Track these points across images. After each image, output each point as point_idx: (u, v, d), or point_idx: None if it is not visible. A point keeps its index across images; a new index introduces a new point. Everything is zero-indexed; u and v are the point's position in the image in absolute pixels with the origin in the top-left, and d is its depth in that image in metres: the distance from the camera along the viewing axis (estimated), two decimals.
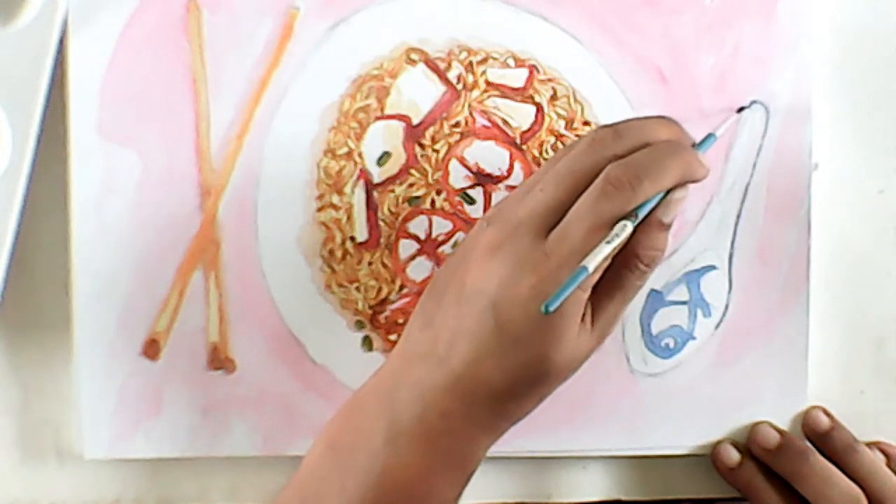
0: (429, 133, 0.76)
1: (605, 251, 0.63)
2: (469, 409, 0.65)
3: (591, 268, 0.63)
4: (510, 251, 0.64)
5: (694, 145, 0.69)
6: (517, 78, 0.76)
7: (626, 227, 0.64)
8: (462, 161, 0.76)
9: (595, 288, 0.65)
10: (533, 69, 0.76)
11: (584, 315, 0.65)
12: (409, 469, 0.65)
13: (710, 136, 0.70)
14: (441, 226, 0.76)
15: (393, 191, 0.76)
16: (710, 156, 0.77)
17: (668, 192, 0.66)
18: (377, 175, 0.76)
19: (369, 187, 0.76)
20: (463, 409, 0.65)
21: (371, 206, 0.76)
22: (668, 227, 0.66)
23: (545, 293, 0.63)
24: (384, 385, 0.66)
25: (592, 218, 0.64)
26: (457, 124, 0.76)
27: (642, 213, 0.65)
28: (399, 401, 0.65)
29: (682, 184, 0.66)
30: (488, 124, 0.76)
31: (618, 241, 0.64)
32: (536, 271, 0.64)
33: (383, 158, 0.76)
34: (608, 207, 0.64)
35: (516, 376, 0.64)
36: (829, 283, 0.78)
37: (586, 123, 0.76)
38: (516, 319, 0.64)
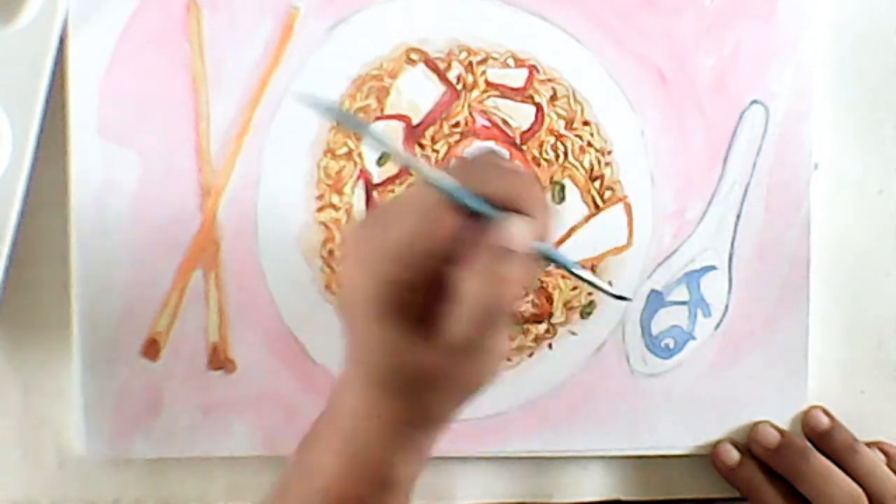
0: (429, 133, 0.76)
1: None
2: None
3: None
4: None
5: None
6: (517, 78, 0.76)
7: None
8: None
9: None
10: (533, 69, 0.76)
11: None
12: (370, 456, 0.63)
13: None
14: None
15: (393, 191, 0.76)
16: (710, 155, 0.77)
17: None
18: (377, 175, 0.76)
19: (369, 187, 0.76)
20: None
21: (371, 206, 0.76)
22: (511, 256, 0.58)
23: None
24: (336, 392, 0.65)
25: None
26: (457, 124, 0.76)
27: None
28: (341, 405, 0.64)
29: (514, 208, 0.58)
30: (488, 124, 0.76)
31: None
32: None
33: (383, 158, 0.76)
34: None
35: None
36: (829, 283, 0.78)
37: (586, 123, 0.76)
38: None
